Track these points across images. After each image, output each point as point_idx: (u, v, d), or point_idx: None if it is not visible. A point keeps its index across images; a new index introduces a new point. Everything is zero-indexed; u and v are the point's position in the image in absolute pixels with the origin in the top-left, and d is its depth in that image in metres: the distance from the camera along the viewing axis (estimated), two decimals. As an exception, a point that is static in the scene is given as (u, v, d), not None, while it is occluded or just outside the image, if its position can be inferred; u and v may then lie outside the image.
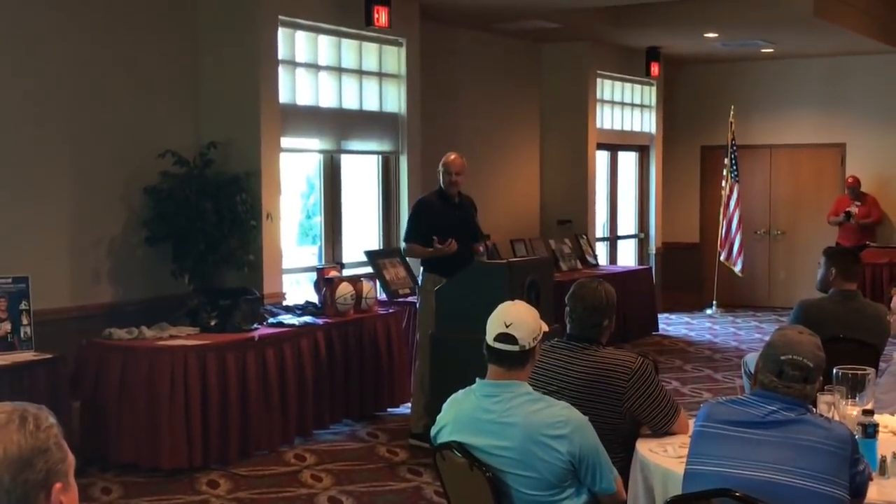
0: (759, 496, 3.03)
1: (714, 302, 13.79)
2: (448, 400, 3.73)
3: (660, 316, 12.78)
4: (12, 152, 6.73)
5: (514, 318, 3.55)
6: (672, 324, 13.05)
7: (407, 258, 8.66)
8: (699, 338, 12.10)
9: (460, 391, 3.70)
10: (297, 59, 8.49)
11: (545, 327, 3.64)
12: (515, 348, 3.51)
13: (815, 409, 3.85)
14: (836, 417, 3.91)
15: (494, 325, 3.56)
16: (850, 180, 12.59)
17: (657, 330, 12.28)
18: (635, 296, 11.81)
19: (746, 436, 3.19)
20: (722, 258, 13.45)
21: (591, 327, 4.18)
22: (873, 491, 3.41)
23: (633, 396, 4.04)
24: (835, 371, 4.04)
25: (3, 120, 6.67)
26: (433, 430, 3.70)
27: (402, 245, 7.74)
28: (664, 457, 3.84)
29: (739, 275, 13.48)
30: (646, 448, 3.97)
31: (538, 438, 3.42)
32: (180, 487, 6.23)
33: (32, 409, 1.81)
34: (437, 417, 3.71)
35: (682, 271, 14.45)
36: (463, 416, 3.58)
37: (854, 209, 12.77)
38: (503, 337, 3.52)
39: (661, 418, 4.07)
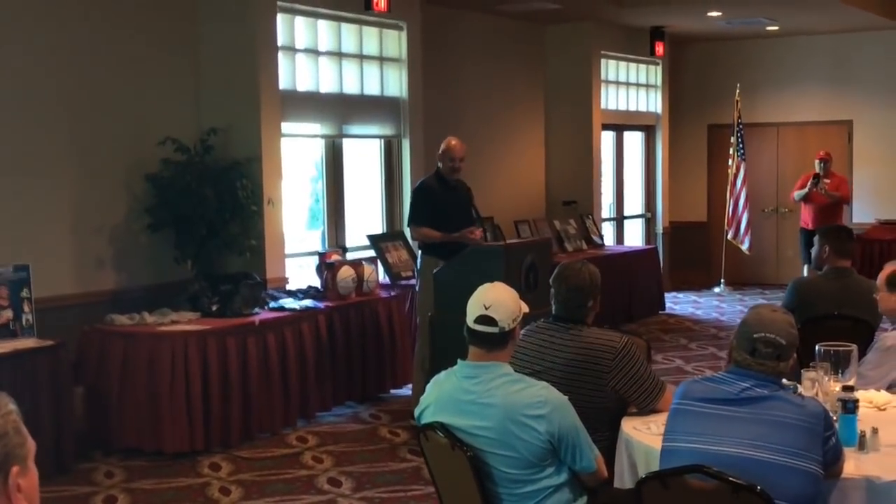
0: (732, 471, 3.08)
1: (722, 280, 13.79)
2: (431, 381, 3.78)
3: (667, 295, 12.81)
4: (13, 141, 6.79)
5: (494, 299, 3.60)
6: (679, 302, 13.08)
7: (412, 241, 8.69)
8: (706, 316, 12.12)
9: (443, 372, 3.75)
10: (297, 45, 8.53)
11: (525, 308, 3.68)
12: (495, 330, 3.56)
13: (799, 386, 3.92)
14: (820, 394, 3.95)
15: (474, 307, 3.60)
16: (821, 154, 11.93)
17: (664, 309, 12.30)
18: (641, 275, 11.85)
19: (720, 412, 3.24)
20: (729, 237, 13.43)
21: (576, 308, 4.22)
22: (851, 465, 3.45)
23: (617, 375, 4.08)
24: (817, 348, 4.08)
25: (3, 108, 6.73)
26: (417, 411, 3.75)
27: (408, 228, 7.75)
28: (647, 434, 3.88)
29: (747, 253, 13.46)
30: (630, 426, 4.01)
31: (517, 418, 3.47)
32: (182, 470, 6.31)
33: (-9, 394, 1.86)
34: (421, 398, 3.76)
35: (690, 250, 14.46)
36: (444, 396, 3.63)
37: (823, 178, 11.75)
38: (483, 319, 3.56)
39: (645, 396, 4.11)
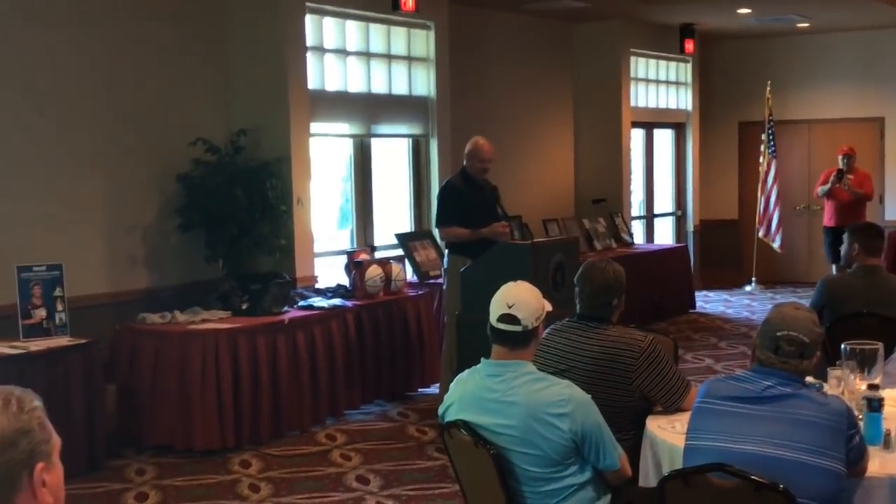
0: (755, 470, 3.08)
1: (753, 279, 13.73)
2: (455, 379, 3.81)
3: (698, 293, 12.77)
4: (46, 141, 6.89)
5: (517, 298, 3.62)
6: (710, 301, 13.03)
7: (440, 241, 8.69)
8: (736, 315, 12.07)
9: (466, 371, 3.78)
10: (326, 45, 8.58)
11: (548, 307, 3.70)
12: (518, 328, 3.58)
13: (825, 384, 3.92)
14: (846, 392, 3.94)
15: (497, 305, 3.63)
16: (844, 149, 11.75)
17: (694, 307, 12.27)
18: (671, 274, 11.82)
19: (743, 411, 3.24)
20: (760, 234, 13.37)
21: (601, 307, 4.23)
22: (876, 464, 3.45)
23: (642, 375, 4.08)
24: (843, 346, 4.08)
25: (36, 109, 6.83)
26: (440, 409, 3.78)
27: (437, 229, 7.75)
28: (672, 433, 3.89)
29: (778, 251, 13.39)
30: (655, 425, 4.02)
31: (540, 416, 3.49)
32: (213, 467, 6.37)
33: (17, 391, 1.90)
34: (445, 396, 3.79)
35: (721, 248, 14.40)
36: (468, 395, 3.66)
37: (846, 173, 11.61)
38: (506, 317, 3.59)
39: (670, 395, 4.12)
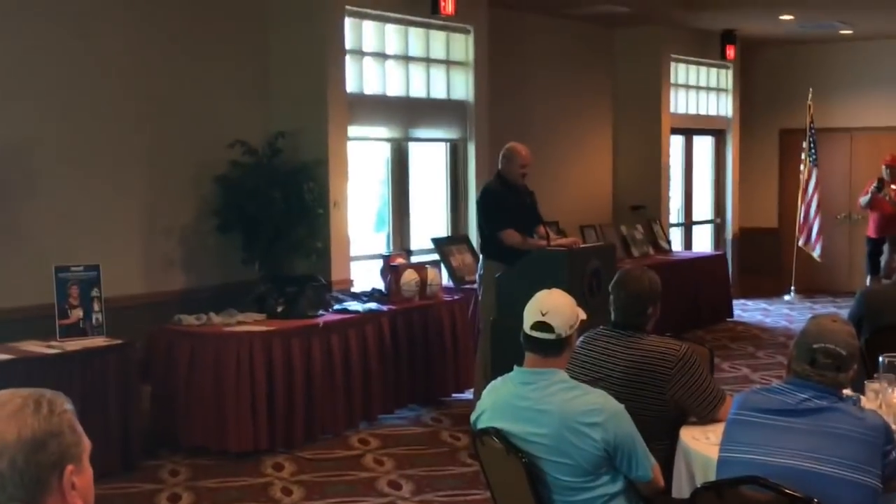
0: (789, 483, 3.04)
1: (792, 288, 13.59)
2: (487, 386, 3.79)
3: (736, 302, 12.67)
4: (86, 142, 6.94)
5: (551, 306, 3.60)
6: (748, 310, 12.92)
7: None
8: (774, 324, 11.96)
9: (499, 378, 3.76)
10: (365, 49, 8.59)
11: (582, 315, 3.68)
12: (552, 336, 3.55)
13: (862, 397, 3.86)
14: (883, 405, 3.88)
15: (531, 313, 3.60)
16: (888, 159, 11.53)
17: (731, 316, 12.16)
18: (709, 281, 11.74)
19: (778, 423, 3.20)
20: (800, 243, 13.24)
21: (636, 315, 4.20)
22: (913, 480, 3.38)
23: (677, 384, 4.04)
24: (881, 359, 4.02)
25: (78, 111, 6.89)
26: (473, 416, 3.76)
27: (495, 235, 7.20)
28: (706, 444, 3.84)
29: (818, 260, 13.26)
30: (689, 435, 3.98)
31: (573, 426, 3.46)
32: (246, 470, 6.39)
33: (48, 394, 1.90)
34: (477, 404, 3.77)
35: (760, 257, 14.28)
36: (500, 402, 3.63)
37: (889, 184, 11.38)
38: (539, 325, 3.56)
39: (705, 406, 4.07)
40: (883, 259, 6.09)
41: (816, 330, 3.26)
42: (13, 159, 6.56)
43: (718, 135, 13.83)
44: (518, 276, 6.85)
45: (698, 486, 3.75)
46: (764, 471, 3.11)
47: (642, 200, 12.14)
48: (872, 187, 11.36)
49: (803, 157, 13.19)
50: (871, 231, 11.52)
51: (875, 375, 4.09)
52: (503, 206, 7.27)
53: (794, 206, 13.44)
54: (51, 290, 6.37)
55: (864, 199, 11.55)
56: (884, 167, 11.45)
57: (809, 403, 3.19)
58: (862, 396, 3.92)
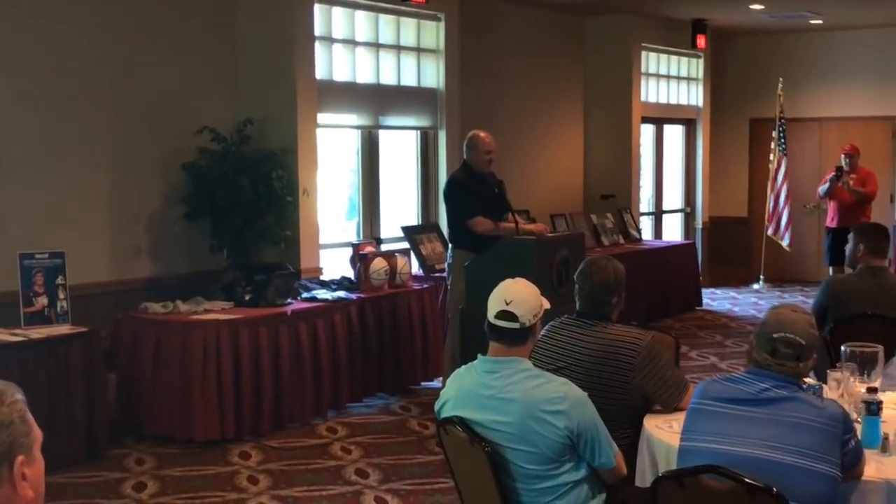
0: (749, 472, 3.05)
1: (761, 277, 13.68)
2: (451, 375, 3.79)
3: (705, 291, 12.73)
4: (52, 129, 6.88)
5: (515, 295, 3.60)
6: (717, 299, 12.99)
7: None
8: (743, 313, 12.02)
9: (462, 367, 3.76)
10: (335, 35, 8.55)
11: (546, 304, 3.68)
12: (516, 325, 3.55)
13: (824, 387, 3.88)
14: (845, 395, 3.91)
15: (495, 302, 3.60)
16: (846, 148, 11.44)
17: (700, 305, 12.22)
18: (678, 270, 11.78)
19: (739, 413, 3.22)
20: (769, 232, 13.30)
21: (600, 304, 4.21)
22: (872, 468, 3.41)
23: (641, 373, 4.05)
24: (843, 348, 4.05)
25: (42, 97, 6.82)
26: (437, 405, 3.76)
27: (465, 224, 7.19)
28: (669, 433, 3.86)
29: (787, 249, 13.33)
30: (652, 424, 4.00)
31: (536, 414, 3.47)
32: (212, 458, 6.36)
33: (-1, 384, 1.89)
34: (441, 392, 3.77)
35: (730, 246, 14.35)
36: (464, 391, 3.63)
37: (849, 173, 11.24)
38: (504, 314, 3.57)
39: (669, 395, 4.09)
40: (848, 249, 6.11)
41: (776, 320, 3.27)
42: (-23, 145, 6.50)
43: (689, 124, 13.87)
44: (487, 265, 6.84)
45: (660, 473, 3.78)
46: (724, 460, 3.12)
47: (613, 189, 12.17)
48: (831, 176, 11.26)
49: (773, 146, 13.25)
50: (830, 220, 11.41)
51: (837, 365, 4.11)
52: (471, 194, 7.26)
53: (764, 196, 13.50)
54: (15, 277, 6.32)
55: (822, 189, 11.45)
56: (842, 156, 11.35)
57: (769, 393, 3.21)
58: (824, 385, 3.95)
